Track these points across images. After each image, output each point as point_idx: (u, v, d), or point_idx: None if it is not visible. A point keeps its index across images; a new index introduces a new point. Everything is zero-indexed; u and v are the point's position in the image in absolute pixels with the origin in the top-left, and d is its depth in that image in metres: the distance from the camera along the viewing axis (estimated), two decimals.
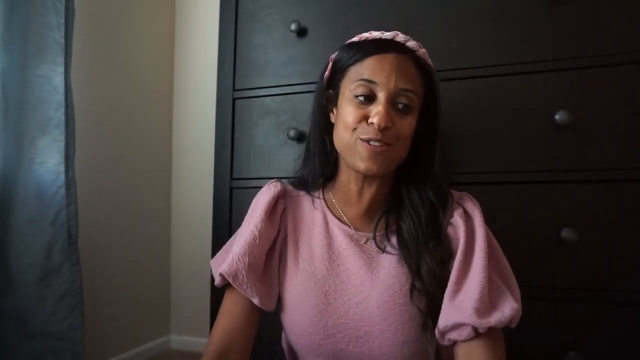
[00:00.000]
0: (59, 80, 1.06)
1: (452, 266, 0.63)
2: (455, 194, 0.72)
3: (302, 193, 0.77)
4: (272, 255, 0.73)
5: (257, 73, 1.08)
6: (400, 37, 0.69)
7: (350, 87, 0.67)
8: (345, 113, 0.66)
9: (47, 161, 1.05)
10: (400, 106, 0.65)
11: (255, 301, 0.68)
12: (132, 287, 1.56)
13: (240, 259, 0.68)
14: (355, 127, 0.65)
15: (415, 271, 0.64)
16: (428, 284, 0.62)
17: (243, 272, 0.67)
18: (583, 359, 0.80)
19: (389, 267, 0.67)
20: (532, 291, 0.85)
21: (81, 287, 1.09)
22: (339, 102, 0.70)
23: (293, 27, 1.02)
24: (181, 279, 1.77)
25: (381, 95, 0.64)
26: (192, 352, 1.72)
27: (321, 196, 0.76)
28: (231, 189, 1.08)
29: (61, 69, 1.06)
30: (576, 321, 0.83)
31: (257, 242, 0.69)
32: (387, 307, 0.64)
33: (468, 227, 0.66)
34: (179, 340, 1.77)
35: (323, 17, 1.03)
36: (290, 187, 0.78)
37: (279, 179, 0.79)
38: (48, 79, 1.05)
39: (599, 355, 0.81)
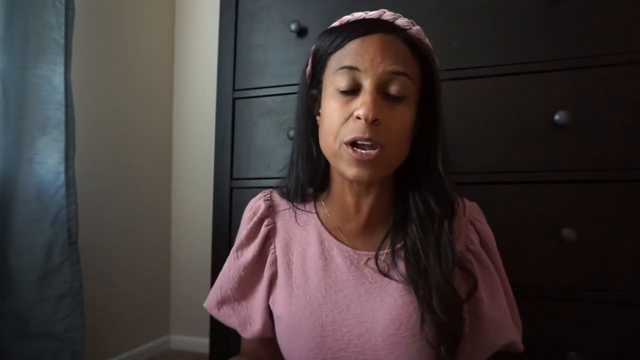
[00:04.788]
0: (59, 80, 1.06)
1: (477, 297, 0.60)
2: (467, 206, 0.65)
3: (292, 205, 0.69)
4: (259, 279, 0.66)
5: (257, 73, 1.08)
6: (388, 14, 0.59)
7: (331, 79, 0.57)
8: (328, 111, 0.57)
9: (47, 161, 1.05)
10: (391, 94, 0.55)
11: (239, 331, 0.66)
12: (132, 287, 1.56)
13: (212, 295, 0.67)
14: (340, 129, 0.55)
15: (426, 303, 0.56)
16: (440, 315, 0.54)
17: (215, 308, 0.67)
18: (583, 359, 0.80)
19: (395, 295, 0.58)
20: (532, 291, 0.85)
21: (81, 287, 1.09)
22: (322, 100, 0.60)
23: (293, 27, 1.02)
24: (181, 279, 1.77)
25: (366, 84, 0.54)
26: (192, 352, 1.72)
27: (313, 210, 0.67)
28: (231, 189, 1.08)
29: (61, 69, 1.06)
30: (576, 321, 0.83)
31: (229, 274, 0.66)
32: (392, 341, 0.56)
33: (490, 257, 0.64)
34: (179, 340, 1.77)
35: (323, 17, 1.03)
36: (278, 199, 0.69)
37: (271, 188, 0.73)
38: (48, 79, 1.05)
39: (599, 355, 0.81)
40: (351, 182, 0.61)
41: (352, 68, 0.55)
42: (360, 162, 0.54)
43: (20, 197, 1.01)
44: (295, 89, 1.04)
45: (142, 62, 1.63)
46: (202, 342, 1.65)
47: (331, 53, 0.59)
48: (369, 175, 0.55)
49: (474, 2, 0.92)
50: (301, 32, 1.04)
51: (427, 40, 0.60)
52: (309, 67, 0.65)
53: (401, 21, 0.59)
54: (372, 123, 0.53)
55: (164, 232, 1.76)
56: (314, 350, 0.59)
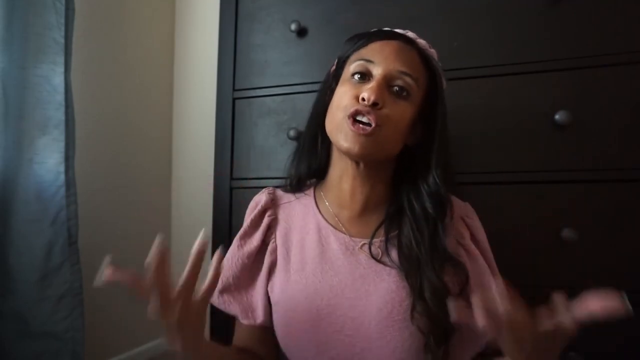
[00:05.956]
0: (59, 80, 1.06)
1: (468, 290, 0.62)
2: (459, 205, 0.68)
3: (293, 198, 0.73)
4: (260, 268, 0.69)
5: (257, 73, 1.08)
6: (411, 34, 0.67)
7: (348, 69, 0.65)
8: (339, 93, 0.64)
9: (47, 161, 1.05)
10: (396, 89, 0.61)
11: (240, 318, 0.68)
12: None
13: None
14: (345, 105, 0.61)
15: (417, 292, 0.59)
16: (431, 306, 0.57)
17: (216, 296, 0.69)
18: (583, 359, 0.80)
19: (389, 280, 0.62)
20: (531, 291, 0.85)
21: (81, 287, 1.09)
22: (337, 88, 0.67)
23: (293, 27, 1.02)
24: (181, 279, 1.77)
25: (377, 73, 0.61)
26: None
27: (312, 199, 0.71)
28: (231, 188, 1.08)
29: (61, 69, 1.06)
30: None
31: (232, 262, 0.69)
32: (385, 324, 0.59)
33: (481, 251, 0.67)
34: None
35: (323, 17, 1.03)
36: (281, 193, 0.74)
37: (274, 186, 0.77)
38: (48, 79, 1.05)
39: (599, 355, 0.81)
40: (348, 164, 0.65)
41: (368, 60, 0.63)
42: (356, 136, 0.59)
43: (20, 197, 1.01)
44: (295, 89, 1.05)
45: (142, 62, 1.63)
46: None
47: (354, 51, 0.66)
48: (359, 148, 0.59)
49: (474, 2, 0.92)
50: (301, 32, 1.04)
51: (439, 65, 0.67)
52: (333, 67, 0.71)
53: (421, 41, 0.67)
54: (373, 106, 0.59)
55: (164, 232, 1.76)
56: (309, 334, 0.61)
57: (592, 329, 0.81)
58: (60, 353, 1.03)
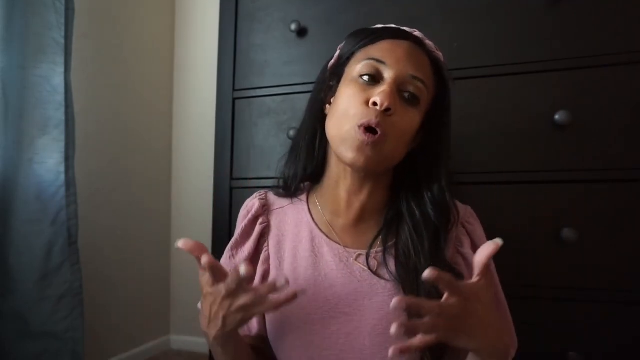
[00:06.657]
0: (59, 80, 1.06)
1: None
2: (460, 209, 0.65)
3: (285, 203, 0.69)
4: (253, 278, 0.64)
5: (257, 73, 1.08)
6: (418, 33, 0.64)
7: (355, 68, 0.59)
8: (345, 96, 0.58)
9: (47, 161, 1.05)
10: (406, 95, 0.57)
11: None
12: (132, 287, 1.56)
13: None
14: (354, 113, 0.56)
15: None
16: None
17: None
18: (583, 359, 0.80)
19: (384, 294, 0.58)
20: (531, 291, 0.85)
21: (81, 287, 1.09)
22: (340, 87, 0.62)
23: (293, 27, 1.02)
24: (181, 279, 1.77)
25: (388, 76, 0.57)
26: (192, 352, 1.72)
27: (306, 206, 0.68)
28: (231, 188, 1.08)
29: (61, 69, 1.06)
30: (576, 321, 0.83)
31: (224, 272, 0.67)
32: (380, 340, 0.56)
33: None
34: (179, 340, 1.77)
35: (323, 17, 1.03)
36: (273, 198, 0.71)
37: (266, 188, 0.75)
38: (48, 79, 1.05)
39: (599, 355, 0.81)
40: (346, 171, 0.62)
41: (378, 61, 0.58)
42: (362, 147, 0.55)
43: (20, 197, 1.01)
44: (295, 89, 1.05)
45: (142, 62, 1.63)
46: (202, 342, 1.65)
47: (361, 47, 0.61)
48: (364, 161, 0.56)
49: (474, 2, 0.92)
50: (301, 32, 1.04)
51: (446, 67, 0.64)
52: (333, 61, 0.67)
53: (429, 42, 0.63)
54: (385, 112, 0.55)
55: (164, 232, 1.76)
56: (300, 349, 0.59)
57: (592, 328, 0.81)
58: (60, 353, 1.03)
